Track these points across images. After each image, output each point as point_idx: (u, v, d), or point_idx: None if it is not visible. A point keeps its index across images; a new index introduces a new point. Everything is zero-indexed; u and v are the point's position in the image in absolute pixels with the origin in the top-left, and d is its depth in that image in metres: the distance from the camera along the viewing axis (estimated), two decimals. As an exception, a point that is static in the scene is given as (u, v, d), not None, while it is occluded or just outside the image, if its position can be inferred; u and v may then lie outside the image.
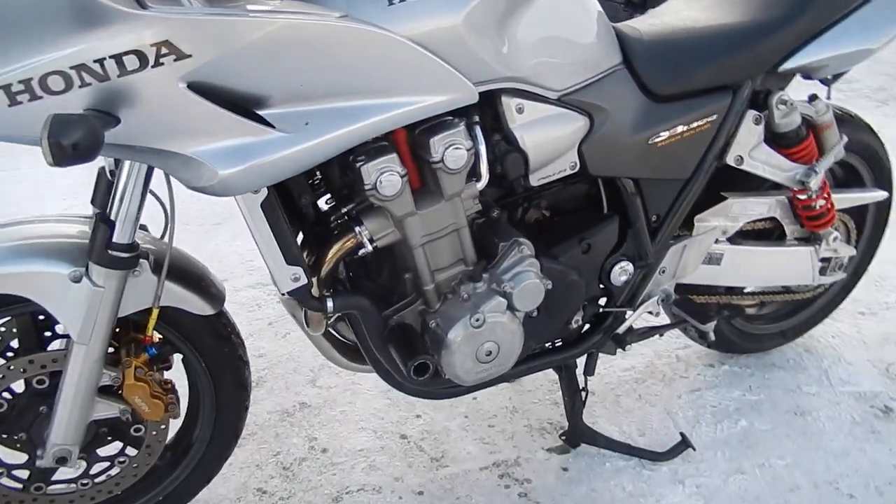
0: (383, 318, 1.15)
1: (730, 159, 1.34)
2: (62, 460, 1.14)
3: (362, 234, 1.08)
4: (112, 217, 1.02)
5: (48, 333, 1.18)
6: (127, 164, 1.00)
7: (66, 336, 1.13)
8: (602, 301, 1.39)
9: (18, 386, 1.16)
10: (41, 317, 1.16)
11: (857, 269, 1.75)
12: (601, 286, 1.35)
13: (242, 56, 0.87)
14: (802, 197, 1.47)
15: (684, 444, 1.52)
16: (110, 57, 0.83)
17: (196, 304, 1.16)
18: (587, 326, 1.40)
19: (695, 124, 1.28)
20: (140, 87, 0.85)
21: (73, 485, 1.25)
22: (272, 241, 1.02)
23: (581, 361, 1.48)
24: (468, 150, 1.05)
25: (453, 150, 1.04)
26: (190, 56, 0.85)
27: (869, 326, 1.96)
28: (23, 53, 0.82)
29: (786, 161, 1.39)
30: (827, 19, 1.31)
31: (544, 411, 1.67)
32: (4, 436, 1.17)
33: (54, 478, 1.23)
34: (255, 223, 1.00)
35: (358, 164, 1.01)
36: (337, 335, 1.31)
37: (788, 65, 1.32)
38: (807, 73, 1.38)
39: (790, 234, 1.55)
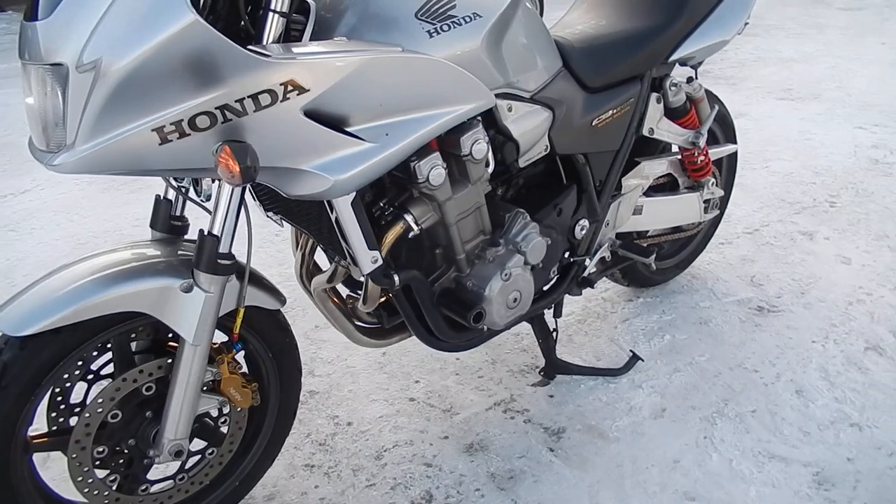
0: (430, 288, 1.43)
1: (645, 131, 1.76)
2: (179, 454, 1.28)
3: (410, 220, 1.35)
4: (215, 231, 1.19)
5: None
6: (227, 185, 1.18)
7: (140, 353, 1.29)
8: (566, 254, 1.75)
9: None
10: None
11: (721, 206, 2.28)
12: (568, 241, 1.71)
13: (342, 86, 1.11)
14: (689, 155, 1.94)
15: (635, 357, 1.94)
16: (248, 97, 1.04)
17: (269, 301, 1.35)
18: (557, 276, 1.76)
19: (619, 108, 1.68)
20: (270, 119, 1.06)
21: (171, 482, 1.38)
22: (359, 232, 1.25)
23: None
24: (487, 144, 1.36)
25: (477, 144, 1.34)
26: (308, 90, 1.08)
27: (730, 252, 2.52)
28: (174, 99, 1.00)
29: (679, 128, 1.85)
30: (696, 19, 1.77)
31: (518, 358, 2.01)
32: (105, 449, 1.28)
33: (154, 477, 1.36)
34: (346, 218, 1.23)
35: (411, 164, 1.27)
36: (358, 321, 1.56)
37: (674, 57, 1.77)
38: (683, 62, 1.84)
39: (682, 185, 2.03)
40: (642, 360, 1.95)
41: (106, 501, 1.29)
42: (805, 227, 2.68)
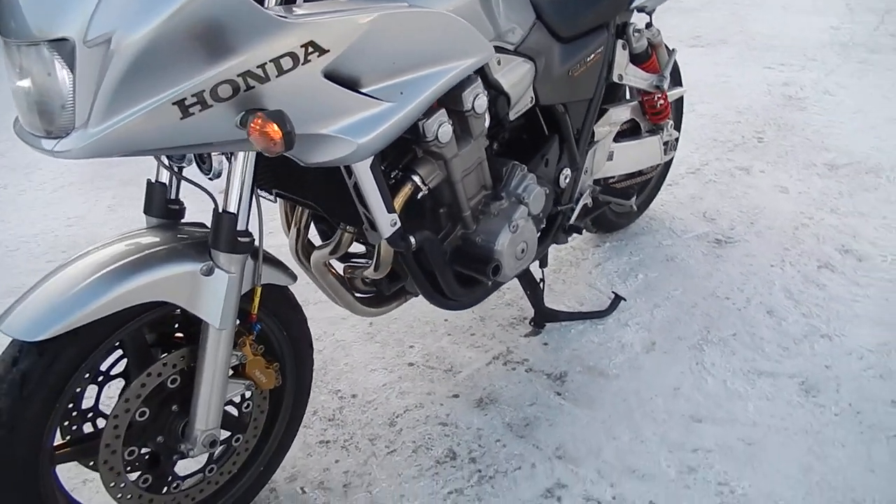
0: (441, 247, 1.43)
1: (614, 77, 1.81)
2: (213, 443, 1.24)
3: (418, 180, 1.34)
4: (230, 209, 1.14)
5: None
6: (241, 157, 1.13)
7: (163, 344, 1.24)
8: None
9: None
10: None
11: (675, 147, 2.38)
12: (553, 191, 1.75)
13: (359, 44, 1.08)
14: (649, 99, 2.01)
15: (618, 298, 2.02)
16: (270, 61, 0.99)
17: (282, 278, 1.31)
18: (544, 226, 1.80)
19: (591, 56, 1.72)
20: (292, 84, 1.02)
21: (200, 474, 1.33)
22: (378, 196, 1.23)
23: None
24: (486, 97, 1.36)
25: (478, 99, 1.34)
26: (328, 51, 1.04)
27: (679, 192, 2.65)
28: (195, 69, 0.95)
29: (644, 73, 1.91)
30: (651, -32, 1.83)
31: (504, 312, 2.05)
32: (135, 450, 1.22)
33: (183, 473, 1.31)
34: (365, 182, 1.20)
35: (419, 123, 1.26)
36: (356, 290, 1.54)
37: (634, 4, 1.82)
38: (641, 8, 1.90)
39: (644, 129, 2.10)
40: (625, 300, 2.03)
41: (135, 501, 1.23)
42: (740, 163, 2.84)
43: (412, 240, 1.33)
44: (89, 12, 0.90)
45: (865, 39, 4.20)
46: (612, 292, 2.05)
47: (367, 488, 1.52)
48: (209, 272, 1.14)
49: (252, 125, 0.96)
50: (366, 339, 1.97)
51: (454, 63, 1.24)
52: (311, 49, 1.02)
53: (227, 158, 1.17)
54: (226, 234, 1.14)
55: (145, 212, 1.29)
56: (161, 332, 1.26)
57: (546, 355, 1.88)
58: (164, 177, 1.28)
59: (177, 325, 1.28)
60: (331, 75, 1.07)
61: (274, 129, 0.95)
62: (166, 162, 1.26)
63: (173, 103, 0.95)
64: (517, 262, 1.51)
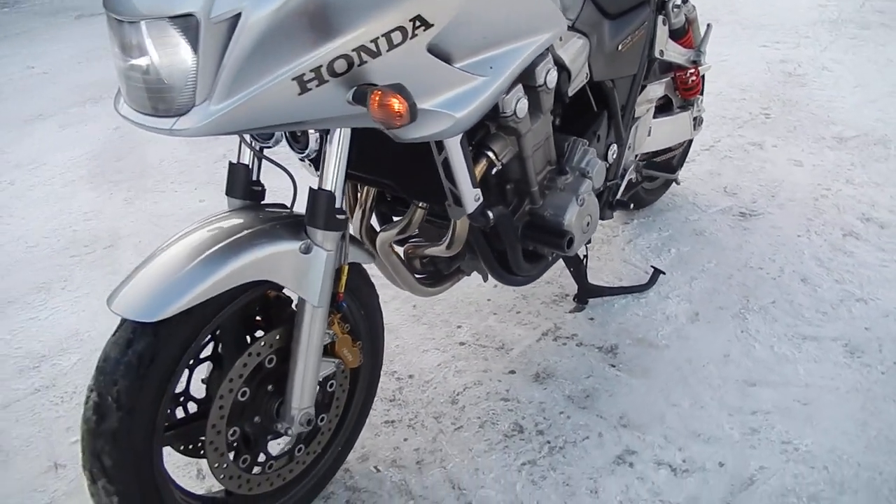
0: (513, 223, 1.45)
1: (656, 53, 1.84)
2: (310, 422, 1.25)
3: (492, 156, 1.35)
4: (327, 186, 1.14)
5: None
6: (336, 136, 1.13)
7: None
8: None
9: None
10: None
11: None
12: (602, 167, 1.78)
13: (459, 18, 1.09)
14: (681, 75, 2.05)
15: (657, 272, 2.06)
16: (382, 35, 1.00)
17: (364, 257, 1.32)
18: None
19: (636, 31, 1.75)
20: (400, 58, 1.03)
21: (288, 455, 1.34)
22: (466, 171, 1.24)
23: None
24: (556, 73, 1.38)
25: (550, 74, 1.36)
26: (433, 25, 1.05)
27: (697, 168, 2.70)
28: (314, 44, 0.95)
29: (682, 48, 1.95)
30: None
31: (545, 290, 2.08)
32: (237, 430, 1.22)
33: (275, 453, 1.32)
34: (455, 156, 1.21)
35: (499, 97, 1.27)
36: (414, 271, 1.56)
37: (673, -20, 1.86)
38: (672, -16, 1.93)
39: (675, 105, 2.14)
40: (664, 273, 2.07)
41: (240, 484, 1.24)
42: (752, 139, 2.90)
43: (490, 215, 1.35)
44: None
45: (853, 16, 4.31)
46: (651, 266, 2.09)
47: (441, 464, 1.54)
48: (307, 250, 1.15)
49: (372, 99, 0.97)
50: (412, 321, 1.98)
51: (535, 37, 1.26)
52: (417, 23, 1.03)
53: (321, 137, 1.18)
54: (324, 212, 1.14)
55: (228, 193, 1.29)
56: (245, 314, 1.26)
57: (594, 329, 1.91)
58: (246, 158, 1.28)
59: (258, 307, 1.28)
60: (433, 50, 1.08)
61: (398, 102, 0.96)
62: (249, 141, 1.26)
63: (293, 79, 0.95)
64: (584, 234, 1.54)
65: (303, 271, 1.15)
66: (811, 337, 1.82)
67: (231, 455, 1.22)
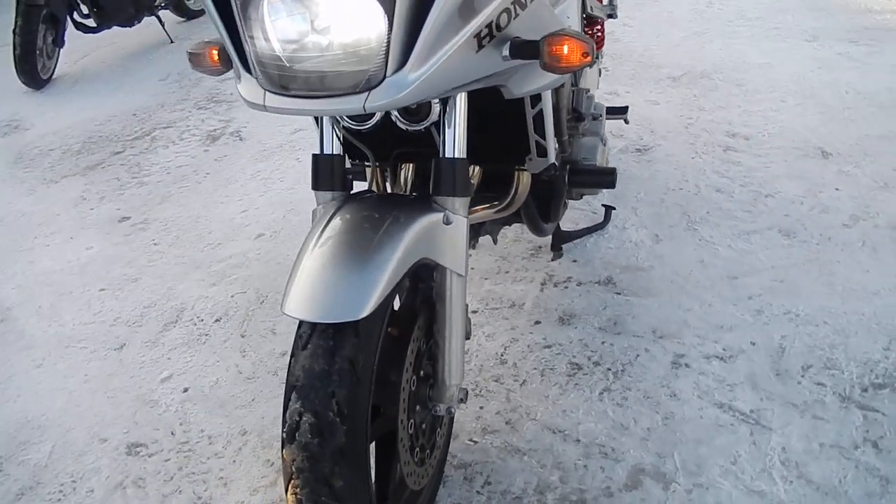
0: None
1: (588, 9, 2.02)
2: (462, 400, 1.22)
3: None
4: (456, 154, 1.13)
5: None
6: (458, 99, 1.11)
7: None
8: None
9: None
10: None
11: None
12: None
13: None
14: (589, 29, 2.27)
15: (609, 208, 2.26)
16: None
17: None
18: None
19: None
20: (535, 12, 1.07)
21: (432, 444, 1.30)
22: (552, 120, 1.29)
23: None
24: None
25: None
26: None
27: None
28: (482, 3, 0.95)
29: (599, 3, 2.15)
30: None
31: (518, 248, 2.18)
32: (412, 422, 1.17)
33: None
34: (547, 107, 1.26)
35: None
36: None
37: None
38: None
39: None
40: (615, 209, 2.28)
41: (416, 480, 1.18)
42: (606, 89, 3.26)
43: (556, 164, 1.42)
44: None
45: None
46: (602, 205, 2.29)
47: (529, 417, 1.59)
48: (448, 221, 1.13)
49: (556, 46, 0.99)
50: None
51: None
52: (551, -28, 1.07)
53: (441, 106, 1.15)
54: (461, 178, 1.13)
55: (318, 188, 1.19)
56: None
57: (583, 269, 2.07)
58: (329, 149, 1.20)
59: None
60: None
61: (578, 45, 0.99)
62: (332, 125, 1.18)
63: (473, 36, 0.95)
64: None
65: (449, 243, 1.13)
66: (752, 231, 2.15)
67: (408, 449, 1.17)
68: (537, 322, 1.87)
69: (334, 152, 1.20)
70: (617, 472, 1.44)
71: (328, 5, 0.87)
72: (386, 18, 0.87)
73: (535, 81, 1.17)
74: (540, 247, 2.17)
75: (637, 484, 1.42)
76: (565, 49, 1.01)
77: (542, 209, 1.59)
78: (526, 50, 1.01)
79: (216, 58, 1.16)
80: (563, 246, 2.13)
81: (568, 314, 1.89)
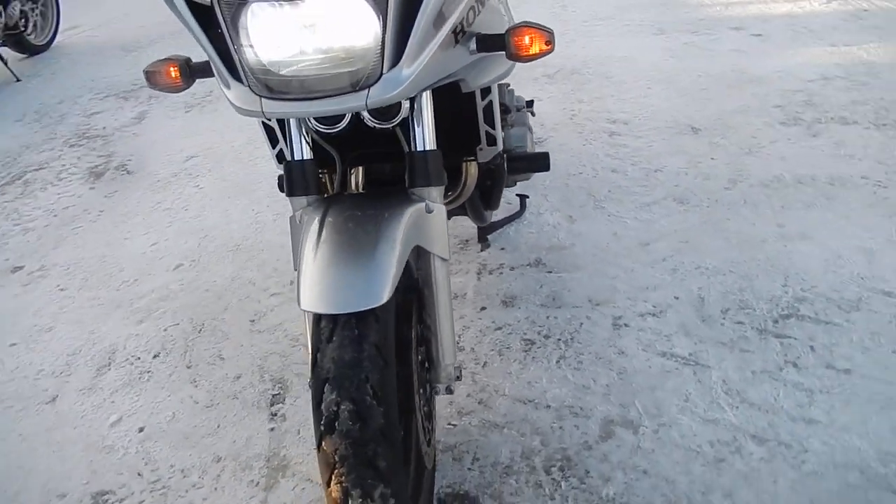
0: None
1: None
2: (458, 378, 1.29)
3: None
4: (428, 146, 1.20)
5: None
6: (424, 98, 1.18)
7: None
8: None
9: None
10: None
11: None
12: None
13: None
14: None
15: (523, 197, 2.41)
16: None
17: None
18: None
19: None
20: (491, 8, 1.16)
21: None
22: (499, 111, 1.40)
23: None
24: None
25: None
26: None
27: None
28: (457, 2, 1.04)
29: None
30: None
31: (446, 243, 2.28)
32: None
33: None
34: (496, 98, 1.36)
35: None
36: None
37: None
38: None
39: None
40: (528, 197, 2.44)
41: (430, 461, 1.24)
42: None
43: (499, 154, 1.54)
44: None
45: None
46: (517, 195, 2.44)
47: (498, 394, 1.69)
48: (430, 209, 1.21)
49: (518, 37, 1.09)
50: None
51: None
52: (487, -23, 1.18)
53: (412, 104, 1.22)
54: (434, 168, 1.21)
55: (293, 193, 1.23)
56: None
57: (512, 255, 2.20)
58: (300, 153, 1.23)
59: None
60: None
61: (540, 35, 1.10)
62: (305, 128, 1.21)
63: (452, 32, 1.03)
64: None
65: (431, 230, 1.21)
66: (651, 202, 2.39)
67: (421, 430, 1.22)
68: (483, 308, 1.98)
69: (304, 157, 1.24)
70: (590, 427, 1.57)
71: (322, 10, 0.92)
72: (380, 19, 0.94)
73: (489, 74, 1.27)
74: (467, 240, 2.28)
75: (610, 434, 1.56)
76: (527, 39, 1.12)
77: (484, 198, 1.70)
78: (492, 43, 1.11)
79: (174, 74, 1.17)
80: (489, 237, 2.26)
81: (509, 297, 2.01)
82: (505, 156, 1.72)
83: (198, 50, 1.09)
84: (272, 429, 1.69)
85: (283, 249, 2.37)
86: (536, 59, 1.16)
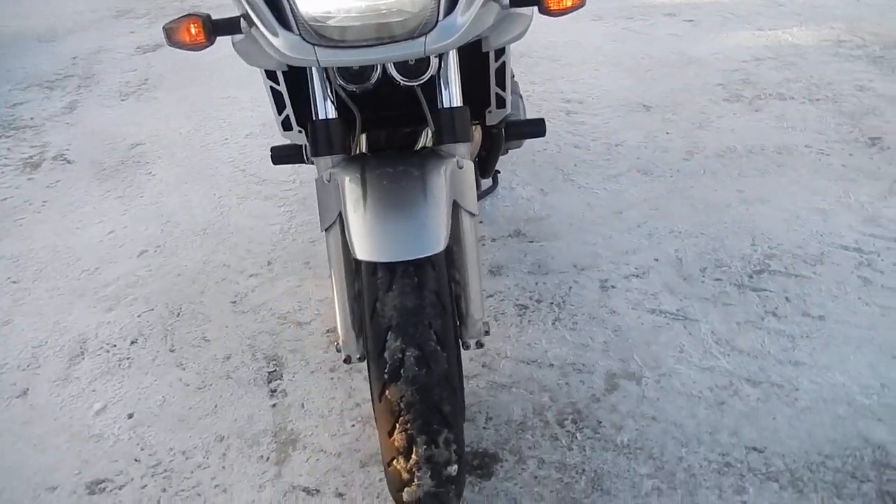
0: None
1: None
2: (487, 332, 1.30)
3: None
4: (455, 103, 1.21)
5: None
6: (451, 56, 1.19)
7: None
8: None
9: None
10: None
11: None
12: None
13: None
14: None
15: (495, 172, 2.45)
16: None
17: None
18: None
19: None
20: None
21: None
22: (510, 72, 1.42)
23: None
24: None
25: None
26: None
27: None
28: None
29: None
30: None
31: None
32: None
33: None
34: (508, 59, 1.38)
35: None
36: None
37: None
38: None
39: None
40: (500, 172, 2.47)
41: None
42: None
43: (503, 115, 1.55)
44: None
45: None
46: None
47: (500, 356, 1.71)
48: (461, 165, 1.22)
49: None
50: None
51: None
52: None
53: (440, 60, 1.21)
54: (462, 125, 1.22)
55: (320, 153, 1.21)
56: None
57: (492, 227, 2.23)
58: (324, 113, 1.21)
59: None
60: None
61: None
62: (326, 92, 1.20)
63: None
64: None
65: (462, 186, 1.21)
66: (617, 174, 2.48)
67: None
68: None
69: (329, 116, 1.22)
70: (595, 382, 1.62)
71: None
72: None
73: (509, 33, 1.29)
74: (443, 215, 2.29)
75: (615, 386, 1.61)
76: None
77: (481, 164, 1.71)
78: None
79: (195, 31, 1.13)
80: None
81: (496, 266, 2.04)
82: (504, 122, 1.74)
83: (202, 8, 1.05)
84: (274, 405, 1.65)
85: (254, 231, 2.31)
86: (569, 12, 1.19)
